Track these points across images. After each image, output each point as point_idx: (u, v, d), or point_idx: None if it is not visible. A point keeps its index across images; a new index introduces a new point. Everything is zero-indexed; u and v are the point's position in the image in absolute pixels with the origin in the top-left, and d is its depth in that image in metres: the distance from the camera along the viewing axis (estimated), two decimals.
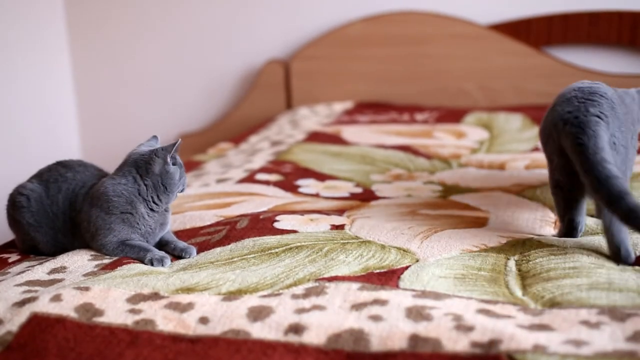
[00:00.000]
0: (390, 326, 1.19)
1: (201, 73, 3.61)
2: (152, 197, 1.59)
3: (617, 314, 1.22)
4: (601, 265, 1.43)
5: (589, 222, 1.74)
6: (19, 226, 1.67)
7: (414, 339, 1.16)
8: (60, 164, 1.69)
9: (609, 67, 3.15)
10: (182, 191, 1.65)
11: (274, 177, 2.16)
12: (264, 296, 1.32)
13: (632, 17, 3.07)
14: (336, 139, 2.61)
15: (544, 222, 1.76)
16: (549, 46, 3.21)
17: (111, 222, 1.57)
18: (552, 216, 1.80)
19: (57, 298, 1.32)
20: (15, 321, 1.28)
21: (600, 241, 1.57)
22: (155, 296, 1.34)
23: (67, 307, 1.30)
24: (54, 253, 1.64)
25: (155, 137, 1.70)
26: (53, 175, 1.66)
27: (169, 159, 1.59)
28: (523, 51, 3.17)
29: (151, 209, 1.60)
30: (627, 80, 3.08)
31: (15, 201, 1.66)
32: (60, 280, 1.44)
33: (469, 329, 1.17)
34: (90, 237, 1.60)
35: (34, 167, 1.75)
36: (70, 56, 3.70)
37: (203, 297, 1.33)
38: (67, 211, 1.63)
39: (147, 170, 1.58)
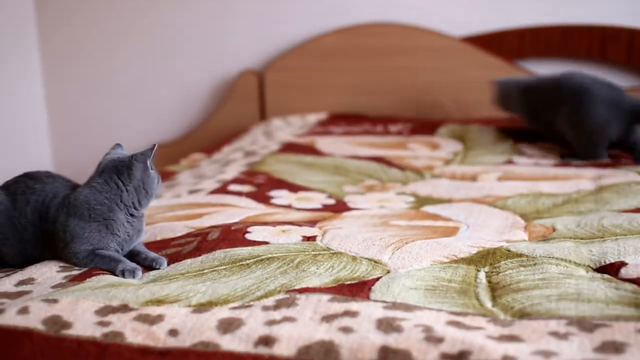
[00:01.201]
0: (361, 338, 1.19)
1: (175, 83, 3.61)
2: (133, 203, 1.59)
3: (586, 325, 1.22)
4: (570, 275, 1.44)
5: (559, 227, 1.75)
6: None
7: (384, 350, 1.16)
8: (28, 176, 1.67)
9: None
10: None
11: (246, 188, 2.15)
12: (234, 308, 1.32)
13: (602, 31, 3.10)
14: (310, 150, 2.61)
15: (514, 228, 1.77)
16: (521, 59, 3.23)
17: (91, 230, 1.56)
18: (522, 222, 1.81)
19: (24, 310, 1.30)
20: None
21: (570, 248, 1.58)
22: (124, 308, 1.33)
23: (34, 319, 1.29)
24: (21, 265, 1.62)
25: (119, 144, 1.70)
26: (20, 187, 1.64)
27: (149, 163, 1.60)
28: (496, 64, 3.19)
29: (131, 215, 1.60)
30: None
31: None
32: (28, 292, 1.43)
33: (439, 340, 1.17)
34: (64, 245, 1.58)
35: (3, 177, 1.73)
36: (42, 65, 3.69)
37: (173, 309, 1.32)
38: (37, 223, 1.61)
39: (129, 176, 1.58)
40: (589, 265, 1.50)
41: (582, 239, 1.67)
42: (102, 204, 1.57)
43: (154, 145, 1.62)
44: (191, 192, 2.17)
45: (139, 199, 1.60)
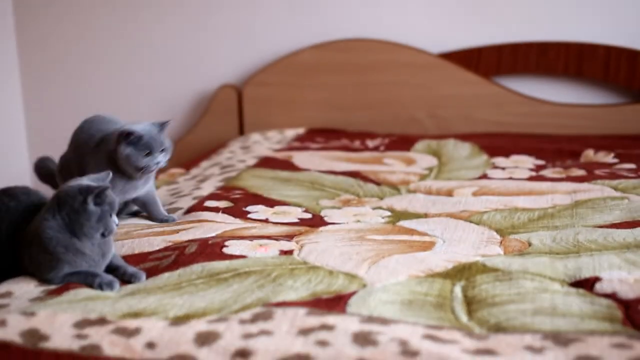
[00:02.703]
0: (337, 351, 1.20)
1: (153, 98, 3.60)
2: (74, 231, 1.55)
3: (561, 339, 1.24)
4: (545, 290, 1.45)
5: (534, 241, 1.77)
6: None
7: None
8: (4, 193, 1.66)
9: (556, 97, 3.20)
10: (103, 235, 1.57)
11: (223, 204, 2.15)
12: (212, 321, 1.32)
13: (578, 48, 3.13)
14: (287, 165, 2.61)
15: (489, 243, 1.78)
16: (498, 76, 3.26)
17: (52, 259, 1.54)
18: (498, 237, 1.83)
19: (2, 323, 1.31)
20: None
21: (545, 263, 1.59)
22: (102, 321, 1.33)
23: (11, 332, 1.29)
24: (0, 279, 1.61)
25: (108, 172, 1.66)
26: None
27: (89, 199, 1.54)
28: (473, 80, 3.21)
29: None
30: (573, 110, 3.13)
31: None
32: (5, 306, 1.43)
33: (415, 354, 1.18)
34: (35, 269, 1.58)
35: None
36: (21, 81, 3.67)
37: (150, 322, 1.33)
38: (12, 241, 1.61)
39: (64, 205, 1.54)
40: (564, 280, 1.52)
41: (557, 254, 1.68)
42: (52, 229, 1.54)
43: (105, 187, 1.56)
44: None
45: (74, 230, 1.54)
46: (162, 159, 1.90)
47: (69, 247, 1.55)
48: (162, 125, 1.91)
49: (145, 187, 1.99)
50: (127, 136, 1.84)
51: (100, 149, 1.93)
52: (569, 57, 3.15)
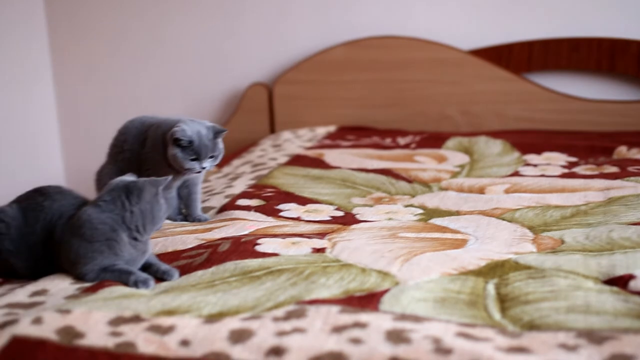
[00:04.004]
0: (370, 349, 1.20)
1: (184, 96, 3.62)
2: (136, 226, 1.58)
3: (594, 337, 1.23)
4: (578, 288, 1.45)
5: (567, 239, 1.76)
6: None
7: None
8: (38, 192, 1.67)
9: (588, 93, 3.18)
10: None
11: (255, 202, 2.16)
12: (245, 319, 1.33)
13: (611, 44, 3.10)
14: (318, 162, 2.62)
15: (522, 240, 1.78)
16: (529, 72, 3.24)
17: (94, 250, 1.56)
18: (530, 235, 1.82)
19: (38, 321, 1.32)
20: None
21: (578, 260, 1.59)
22: (136, 319, 1.34)
23: (47, 329, 1.30)
24: (33, 278, 1.63)
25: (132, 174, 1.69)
26: (31, 204, 1.65)
27: (160, 190, 1.60)
28: (504, 77, 3.20)
29: (134, 238, 1.59)
30: (605, 106, 3.11)
31: None
32: (41, 303, 1.44)
33: (448, 352, 1.18)
34: (70, 265, 1.59)
35: (17, 190, 1.74)
36: (53, 78, 3.71)
37: (184, 319, 1.33)
38: (46, 241, 1.62)
39: (139, 197, 1.57)
40: (597, 278, 1.51)
41: (590, 251, 1.67)
42: (104, 223, 1.56)
43: (169, 177, 1.64)
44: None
45: (144, 223, 1.58)
46: (208, 164, 1.94)
47: (119, 240, 1.57)
48: (216, 134, 1.96)
49: None
50: (176, 140, 1.89)
51: (157, 132, 1.99)
52: (601, 52, 3.12)
